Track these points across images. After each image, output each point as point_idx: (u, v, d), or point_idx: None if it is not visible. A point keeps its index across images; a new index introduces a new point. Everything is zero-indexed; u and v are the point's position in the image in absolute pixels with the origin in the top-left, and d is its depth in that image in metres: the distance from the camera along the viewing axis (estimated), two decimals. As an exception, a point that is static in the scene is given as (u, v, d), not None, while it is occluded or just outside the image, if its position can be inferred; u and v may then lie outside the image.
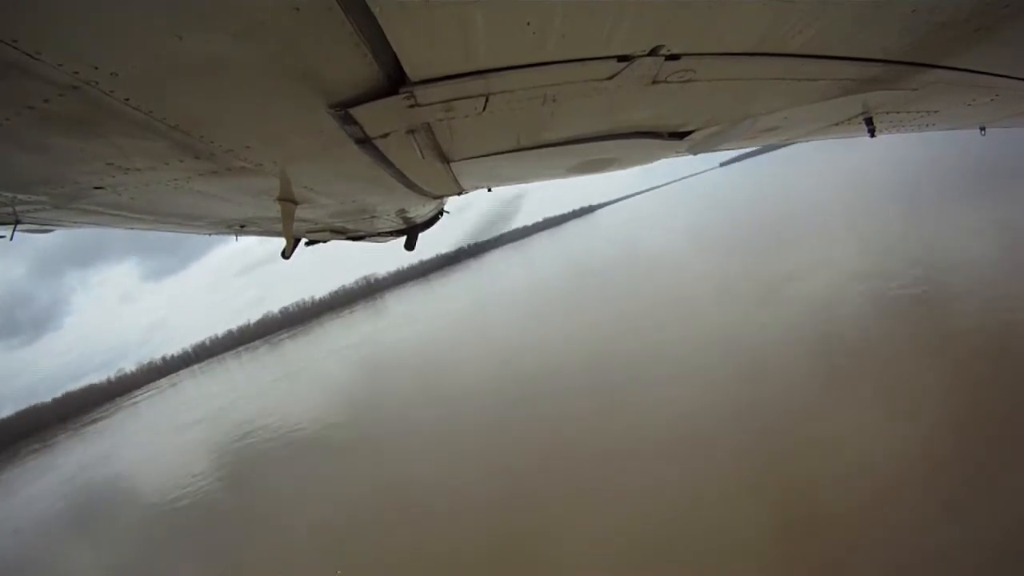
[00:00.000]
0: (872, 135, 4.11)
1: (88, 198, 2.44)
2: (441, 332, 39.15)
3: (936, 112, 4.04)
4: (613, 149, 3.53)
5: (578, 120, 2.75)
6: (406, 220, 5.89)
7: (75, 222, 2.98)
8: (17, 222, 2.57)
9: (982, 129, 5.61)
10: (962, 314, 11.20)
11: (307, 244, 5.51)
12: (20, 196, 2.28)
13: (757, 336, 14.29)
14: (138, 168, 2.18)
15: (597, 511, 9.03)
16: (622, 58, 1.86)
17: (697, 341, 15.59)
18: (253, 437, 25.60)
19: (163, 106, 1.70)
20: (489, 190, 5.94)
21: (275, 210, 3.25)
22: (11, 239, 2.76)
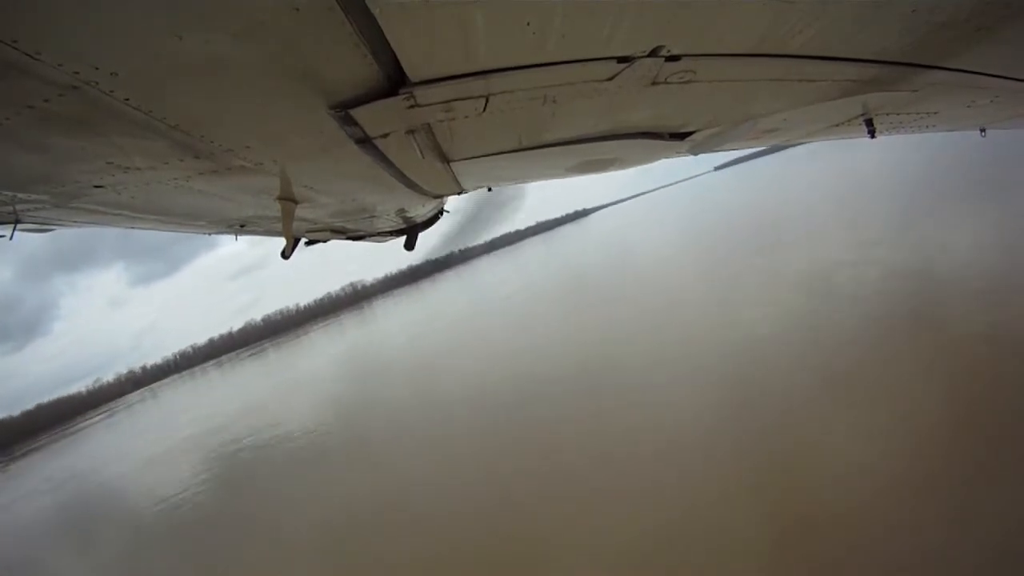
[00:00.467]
0: (872, 136, 4.12)
1: (88, 197, 2.44)
2: (433, 338, 38.22)
3: (936, 113, 4.05)
4: (613, 149, 3.53)
5: (578, 120, 2.76)
6: (406, 220, 5.90)
7: (75, 221, 2.98)
8: (17, 221, 2.57)
9: (982, 130, 5.62)
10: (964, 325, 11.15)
11: (307, 244, 5.52)
12: (20, 195, 2.28)
13: (752, 338, 14.27)
14: (138, 167, 2.18)
15: (594, 513, 9.01)
16: (622, 59, 1.86)
17: (692, 344, 15.52)
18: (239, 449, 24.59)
19: (163, 106, 1.70)
20: (489, 190, 5.96)
21: (275, 209, 3.26)
22: (11, 238, 2.76)
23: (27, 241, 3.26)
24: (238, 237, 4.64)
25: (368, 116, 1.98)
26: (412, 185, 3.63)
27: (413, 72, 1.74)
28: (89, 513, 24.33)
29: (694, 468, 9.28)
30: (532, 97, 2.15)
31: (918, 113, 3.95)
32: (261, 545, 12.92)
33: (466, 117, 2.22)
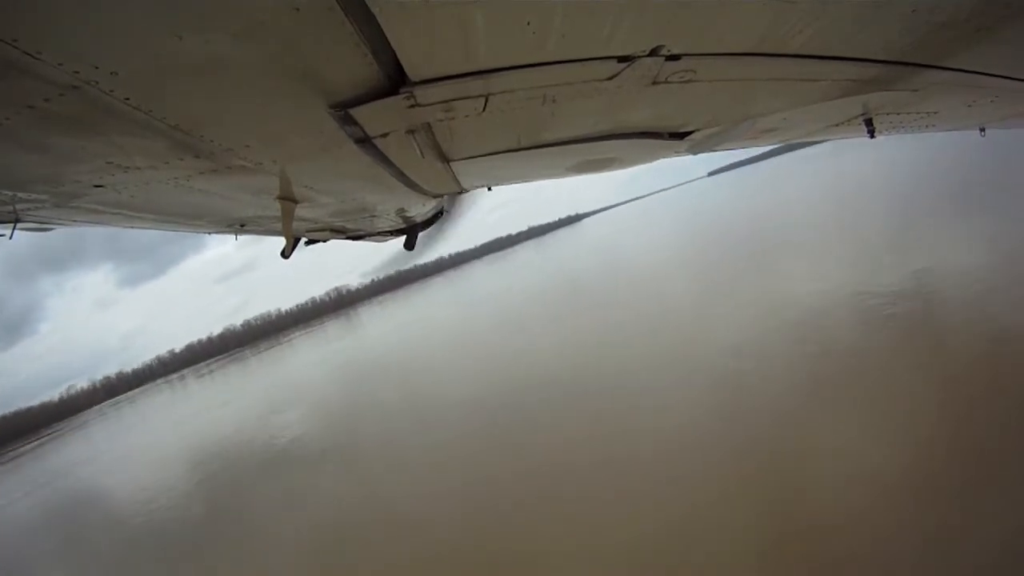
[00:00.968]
0: (872, 136, 4.12)
1: (88, 196, 2.44)
2: (423, 344, 37.16)
3: (936, 113, 4.05)
4: (613, 149, 3.53)
5: (578, 120, 2.76)
6: (406, 219, 5.90)
7: (75, 220, 2.98)
8: (17, 220, 2.58)
9: (982, 130, 5.62)
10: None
11: (307, 244, 5.52)
12: (20, 194, 2.28)
13: (747, 342, 14.26)
14: (138, 167, 2.18)
15: (589, 516, 9.01)
16: (622, 58, 1.87)
17: (686, 349, 15.49)
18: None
19: (163, 105, 1.70)
20: (489, 189, 5.96)
21: (275, 209, 3.26)
22: (11, 238, 2.77)
23: (13, 239, 3.22)
24: (238, 237, 4.65)
25: (368, 116, 1.98)
26: (412, 185, 3.63)
27: (413, 72, 1.74)
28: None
29: (689, 470, 9.28)
30: (532, 97, 2.15)
31: (918, 113, 3.95)
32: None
33: (466, 117, 2.22)
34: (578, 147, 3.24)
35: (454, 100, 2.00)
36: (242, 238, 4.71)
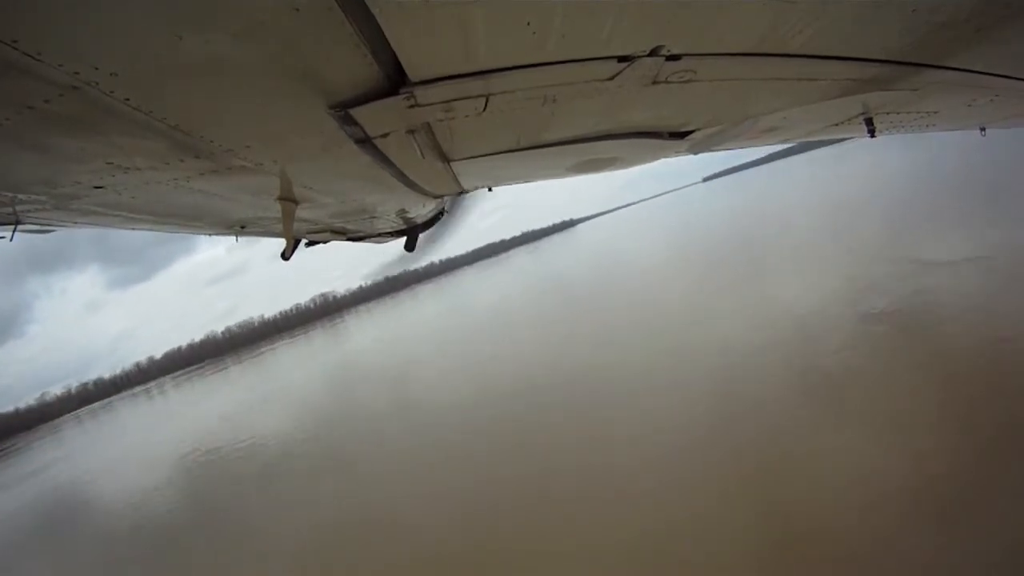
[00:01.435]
0: (872, 135, 4.12)
1: (88, 198, 2.44)
2: (412, 351, 35.83)
3: (936, 113, 4.05)
4: (613, 149, 3.53)
5: (578, 120, 2.76)
6: (406, 220, 5.90)
7: (75, 222, 2.98)
8: (17, 222, 2.58)
9: (982, 130, 5.62)
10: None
11: (307, 245, 5.52)
12: (20, 196, 2.28)
13: (741, 346, 14.23)
14: (138, 168, 2.18)
15: (589, 516, 9.00)
16: (622, 58, 1.87)
17: (681, 353, 15.46)
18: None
19: (163, 106, 1.70)
20: (490, 189, 5.96)
21: (275, 210, 3.26)
22: (11, 240, 2.77)
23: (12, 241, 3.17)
24: (238, 238, 4.65)
25: (368, 116, 1.99)
26: (412, 185, 3.64)
27: (413, 72, 1.74)
28: None
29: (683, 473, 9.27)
30: (532, 97, 2.15)
31: (918, 112, 3.95)
32: None
33: (466, 117, 2.23)
34: (578, 147, 3.24)
35: (454, 100, 2.00)
36: (235, 243, 4.72)
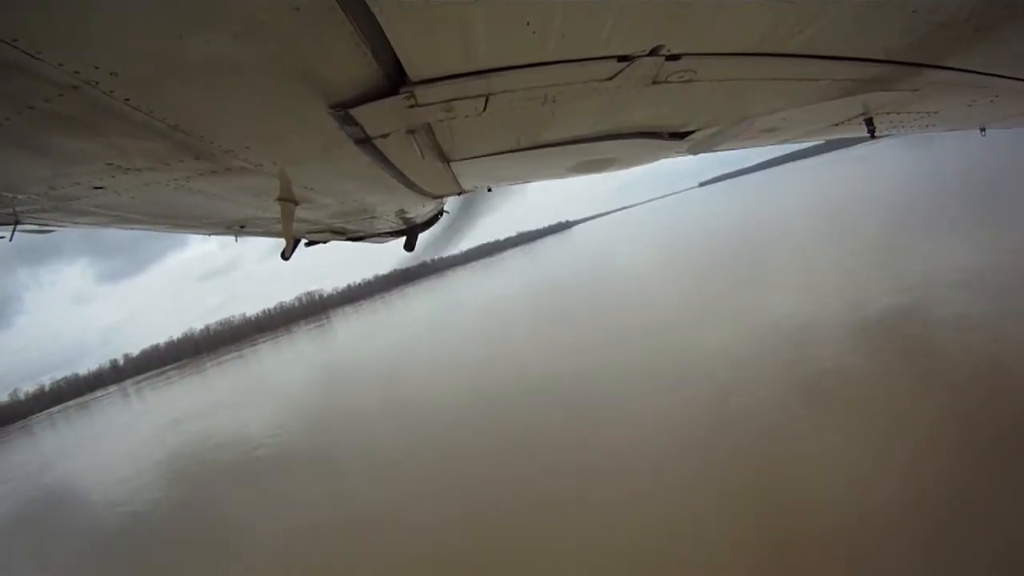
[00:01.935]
0: (872, 136, 4.12)
1: (88, 198, 2.44)
2: (404, 354, 35.75)
3: (936, 113, 4.04)
4: (613, 149, 3.53)
5: (578, 120, 2.76)
6: (406, 220, 5.90)
7: (75, 222, 2.98)
8: (17, 222, 2.58)
9: (982, 130, 5.62)
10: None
11: (307, 245, 5.52)
12: (20, 196, 2.28)
13: (737, 349, 14.23)
14: (138, 168, 2.18)
15: (583, 521, 8.97)
16: (622, 58, 1.86)
17: (681, 353, 15.46)
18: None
19: (163, 106, 1.70)
20: (490, 190, 5.96)
21: (275, 210, 3.26)
22: (11, 240, 2.77)
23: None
24: (238, 238, 4.65)
25: (368, 116, 1.98)
26: (412, 185, 3.63)
27: (413, 72, 1.74)
28: None
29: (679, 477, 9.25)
30: (532, 97, 2.15)
31: (918, 112, 3.95)
32: None
33: (466, 117, 2.22)
34: (578, 147, 3.24)
35: (454, 100, 2.00)
36: (229, 238, 4.71)
